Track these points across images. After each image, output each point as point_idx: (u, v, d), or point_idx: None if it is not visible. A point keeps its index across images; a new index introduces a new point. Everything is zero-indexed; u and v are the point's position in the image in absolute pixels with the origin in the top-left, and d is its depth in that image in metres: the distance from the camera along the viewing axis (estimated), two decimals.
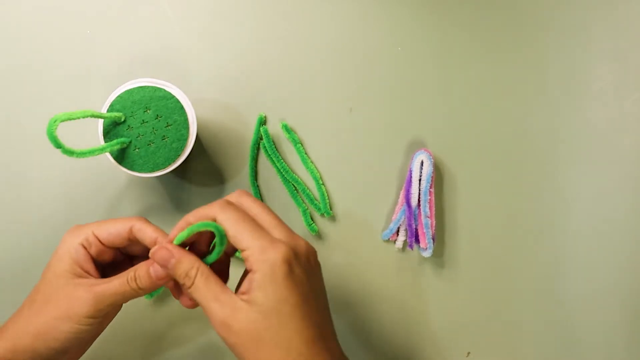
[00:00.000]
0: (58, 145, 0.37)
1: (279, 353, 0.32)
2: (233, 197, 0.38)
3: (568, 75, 0.50)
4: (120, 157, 0.42)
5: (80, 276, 0.38)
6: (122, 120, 0.42)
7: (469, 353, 0.51)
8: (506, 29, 0.50)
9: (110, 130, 0.42)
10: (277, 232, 0.35)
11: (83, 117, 0.40)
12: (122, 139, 0.42)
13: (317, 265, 0.37)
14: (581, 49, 0.51)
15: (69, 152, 0.38)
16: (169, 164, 0.43)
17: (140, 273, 0.37)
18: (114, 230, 0.39)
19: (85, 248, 0.39)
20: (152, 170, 0.43)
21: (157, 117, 0.42)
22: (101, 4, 0.48)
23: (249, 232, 0.34)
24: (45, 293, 0.38)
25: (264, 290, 0.33)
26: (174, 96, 0.43)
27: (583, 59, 0.51)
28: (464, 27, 0.50)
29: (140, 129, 0.42)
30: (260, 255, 0.33)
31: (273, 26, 0.49)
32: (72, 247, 0.38)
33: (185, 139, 0.43)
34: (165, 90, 0.43)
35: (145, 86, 0.42)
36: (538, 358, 0.51)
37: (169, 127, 0.42)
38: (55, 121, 0.36)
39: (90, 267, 0.39)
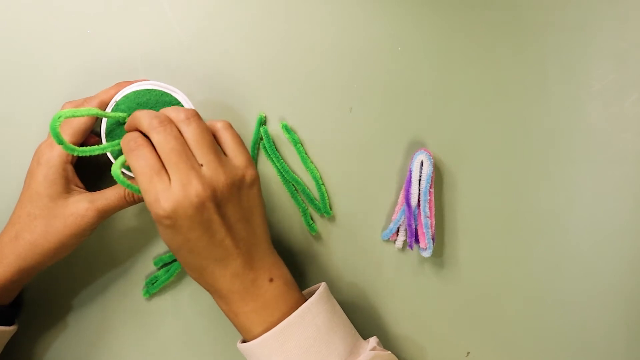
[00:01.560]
0: (60, 141, 0.37)
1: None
2: (179, 118, 0.39)
3: (568, 75, 0.50)
4: None
5: (73, 191, 0.42)
6: (126, 120, 0.42)
7: (468, 353, 0.51)
8: (506, 28, 0.50)
9: (113, 130, 0.42)
10: (186, 176, 0.36)
11: (87, 115, 0.40)
12: None
13: (238, 197, 0.39)
14: (581, 49, 0.51)
15: (70, 149, 0.38)
16: None
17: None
18: (84, 127, 0.42)
19: (70, 163, 0.42)
20: None
21: None
22: (101, 3, 0.48)
23: (143, 184, 0.36)
24: (45, 216, 0.41)
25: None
26: (179, 102, 0.43)
27: (583, 59, 0.51)
28: (464, 27, 0.50)
29: None
30: (149, 207, 0.36)
31: (273, 26, 0.49)
32: (60, 168, 0.42)
33: None
34: (171, 96, 0.42)
35: (152, 89, 0.42)
36: (538, 358, 0.51)
37: None
38: (59, 117, 0.36)
39: (77, 179, 0.43)
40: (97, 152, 0.40)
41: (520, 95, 0.50)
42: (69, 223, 0.41)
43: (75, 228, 0.41)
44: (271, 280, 0.40)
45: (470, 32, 0.50)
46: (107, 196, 0.42)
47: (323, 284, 0.43)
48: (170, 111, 0.39)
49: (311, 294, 0.43)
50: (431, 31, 0.50)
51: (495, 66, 0.50)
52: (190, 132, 0.38)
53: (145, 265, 0.49)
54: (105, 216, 0.42)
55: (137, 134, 0.38)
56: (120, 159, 0.38)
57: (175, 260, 0.48)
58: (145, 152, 0.37)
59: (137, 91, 0.42)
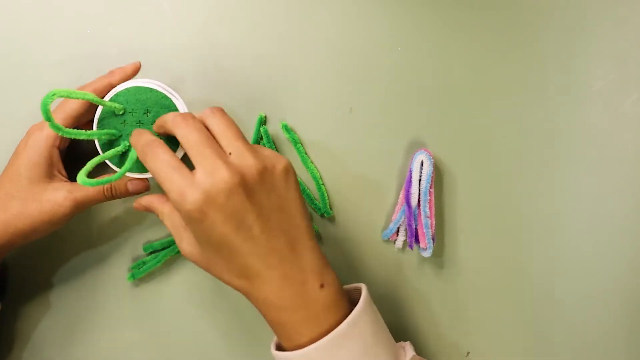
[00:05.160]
0: (48, 117, 0.36)
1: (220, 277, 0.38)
2: (204, 114, 0.38)
3: (568, 75, 0.50)
4: (118, 158, 0.42)
5: (54, 177, 0.42)
6: (121, 113, 0.42)
7: (468, 353, 0.51)
8: (506, 29, 0.50)
9: (106, 118, 0.42)
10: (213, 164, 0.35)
11: (82, 99, 0.39)
12: (112, 131, 0.41)
13: (271, 183, 0.36)
14: (581, 49, 0.51)
15: (57, 128, 0.37)
16: None
17: (118, 186, 0.43)
18: (76, 113, 0.42)
19: (57, 147, 0.42)
20: (144, 171, 0.42)
21: (146, 112, 0.42)
22: (101, 3, 0.48)
23: (165, 184, 0.35)
24: (22, 198, 0.41)
25: (189, 233, 0.37)
26: (177, 108, 0.42)
27: (583, 59, 0.51)
28: (464, 27, 0.50)
29: (135, 127, 0.42)
30: (177, 206, 0.35)
31: (273, 26, 0.49)
32: (46, 151, 0.41)
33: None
34: (171, 101, 0.42)
35: (154, 89, 0.42)
36: (538, 358, 0.51)
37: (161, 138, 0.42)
38: (53, 95, 0.35)
39: (61, 165, 0.43)
40: (83, 137, 0.39)
41: (520, 95, 0.50)
42: (45, 209, 0.41)
43: (49, 215, 0.41)
44: (322, 286, 0.37)
45: (470, 32, 0.50)
46: (87, 188, 0.42)
47: (364, 288, 0.40)
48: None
49: (348, 294, 0.41)
50: (431, 31, 0.50)
51: (495, 66, 0.50)
52: (216, 123, 0.37)
53: (135, 250, 0.49)
54: (82, 208, 0.42)
55: (148, 137, 0.38)
56: (86, 168, 0.38)
57: (164, 248, 0.48)
58: (159, 151, 0.36)
59: (139, 87, 0.42)
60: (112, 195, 0.43)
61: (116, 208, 0.49)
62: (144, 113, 0.42)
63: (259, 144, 0.49)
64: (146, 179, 0.43)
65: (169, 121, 0.38)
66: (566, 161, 0.51)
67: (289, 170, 0.37)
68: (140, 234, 0.49)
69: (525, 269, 0.51)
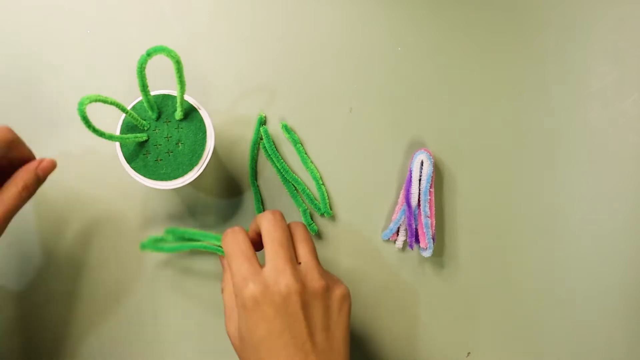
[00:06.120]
0: (88, 123, 0.36)
1: None
2: (291, 222, 0.41)
3: (568, 75, 0.51)
4: (142, 166, 0.41)
5: None
6: (145, 127, 0.41)
7: (469, 353, 0.51)
8: (506, 29, 0.50)
9: (131, 126, 0.41)
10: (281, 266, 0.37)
11: (112, 104, 0.38)
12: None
13: (327, 303, 0.38)
14: (581, 49, 0.51)
15: (100, 133, 0.37)
16: (177, 176, 0.42)
17: (28, 179, 0.39)
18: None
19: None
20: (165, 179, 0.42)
21: (177, 141, 0.41)
22: (101, 3, 0.48)
23: (234, 265, 0.38)
24: None
25: (237, 318, 0.38)
26: (204, 126, 0.42)
27: (583, 59, 0.51)
28: (464, 27, 0.50)
29: (159, 134, 0.41)
30: (236, 288, 0.37)
31: (273, 26, 0.49)
32: None
33: (193, 165, 0.41)
34: (200, 116, 0.42)
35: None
36: (538, 358, 0.51)
37: (183, 145, 0.41)
38: (87, 100, 0.35)
39: None
40: (115, 140, 0.39)
41: (520, 95, 0.50)
42: None
43: None
44: None
45: (470, 32, 0.50)
46: (3, 201, 0.38)
47: None
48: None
49: None
50: (431, 31, 0.50)
51: (495, 66, 0.50)
52: (299, 232, 0.40)
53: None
54: (6, 222, 0.39)
55: (239, 228, 0.40)
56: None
57: (188, 240, 0.45)
58: (239, 237, 0.39)
59: (166, 95, 0.42)
60: (28, 194, 0.39)
61: (115, 205, 0.49)
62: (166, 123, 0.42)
63: (259, 144, 0.49)
64: (53, 159, 0.41)
65: (260, 215, 0.40)
66: (566, 161, 0.51)
67: (347, 297, 0.39)
68: (140, 235, 0.49)
69: (525, 269, 0.51)
